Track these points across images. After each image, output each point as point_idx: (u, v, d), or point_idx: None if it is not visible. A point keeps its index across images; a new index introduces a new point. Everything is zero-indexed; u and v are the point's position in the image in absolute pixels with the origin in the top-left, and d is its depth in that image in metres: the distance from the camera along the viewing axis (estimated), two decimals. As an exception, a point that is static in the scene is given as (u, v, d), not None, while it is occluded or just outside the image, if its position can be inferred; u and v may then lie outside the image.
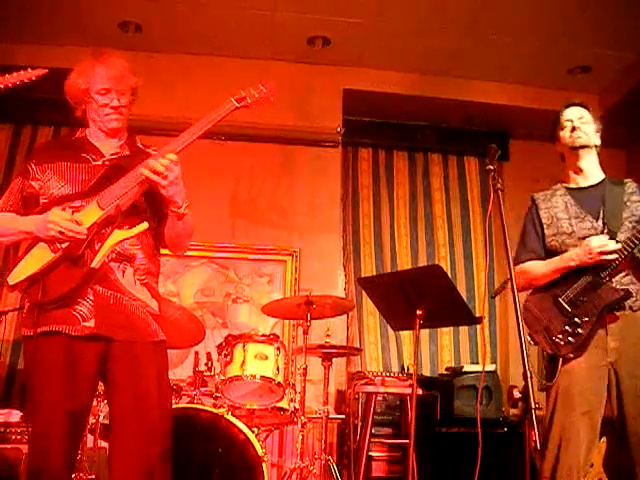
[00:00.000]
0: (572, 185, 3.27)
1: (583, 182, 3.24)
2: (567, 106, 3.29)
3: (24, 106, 5.67)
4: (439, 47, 5.62)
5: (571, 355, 2.99)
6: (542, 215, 3.23)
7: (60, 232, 2.39)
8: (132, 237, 2.51)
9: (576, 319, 3.00)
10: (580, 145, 3.20)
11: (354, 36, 5.57)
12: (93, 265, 2.41)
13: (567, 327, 3.02)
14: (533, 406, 2.12)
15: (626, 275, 3.02)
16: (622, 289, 2.98)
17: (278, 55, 5.85)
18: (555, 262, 3.12)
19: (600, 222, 3.08)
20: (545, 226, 3.20)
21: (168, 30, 5.58)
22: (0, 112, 5.72)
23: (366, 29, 5.47)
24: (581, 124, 3.21)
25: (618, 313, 2.99)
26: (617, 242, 2.97)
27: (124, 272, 2.51)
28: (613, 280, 2.99)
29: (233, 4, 5.24)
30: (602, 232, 3.04)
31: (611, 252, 2.96)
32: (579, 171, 3.24)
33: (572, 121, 3.23)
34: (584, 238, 3.06)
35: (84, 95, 2.64)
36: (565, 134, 3.23)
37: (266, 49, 5.80)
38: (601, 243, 2.97)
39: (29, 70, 2.60)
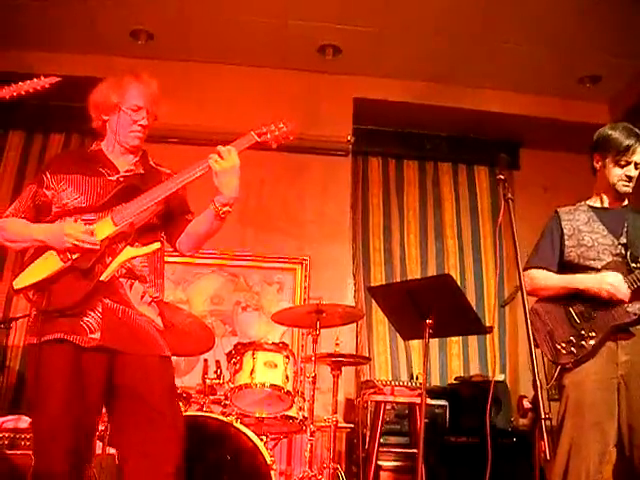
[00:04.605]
0: (596, 204, 3.25)
1: (607, 203, 3.22)
2: (637, 137, 3.08)
3: (35, 113, 5.70)
4: (449, 56, 5.62)
5: (570, 366, 2.98)
6: (564, 226, 3.20)
7: (75, 245, 2.40)
8: (143, 255, 2.53)
9: (583, 332, 2.99)
10: (625, 193, 3.17)
11: (364, 45, 5.58)
12: (102, 278, 2.42)
13: (572, 337, 3.01)
14: (543, 416, 2.11)
15: None
16: (634, 313, 2.97)
17: (288, 64, 5.87)
18: (566, 279, 3.11)
19: (623, 239, 3.07)
20: (566, 237, 3.17)
21: (179, 38, 5.61)
22: (12, 119, 5.78)
23: (376, 38, 5.48)
24: (637, 172, 3.12)
25: (632, 329, 2.98)
26: (635, 267, 2.97)
27: (131, 287, 2.53)
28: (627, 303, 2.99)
29: (244, 13, 5.26)
30: (625, 250, 3.03)
31: (619, 299, 2.96)
32: (608, 195, 3.22)
33: (634, 165, 3.10)
34: (604, 252, 3.05)
35: (113, 108, 2.65)
36: (618, 173, 3.12)
37: (276, 58, 5.81)
38: (616, 284, 2.97)
39: (41, 78, 2.62)
